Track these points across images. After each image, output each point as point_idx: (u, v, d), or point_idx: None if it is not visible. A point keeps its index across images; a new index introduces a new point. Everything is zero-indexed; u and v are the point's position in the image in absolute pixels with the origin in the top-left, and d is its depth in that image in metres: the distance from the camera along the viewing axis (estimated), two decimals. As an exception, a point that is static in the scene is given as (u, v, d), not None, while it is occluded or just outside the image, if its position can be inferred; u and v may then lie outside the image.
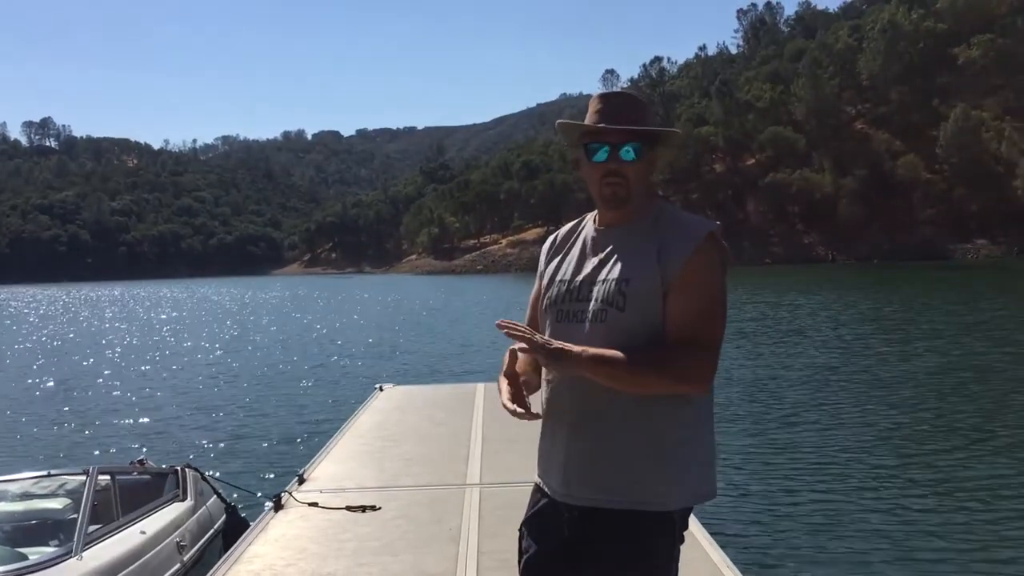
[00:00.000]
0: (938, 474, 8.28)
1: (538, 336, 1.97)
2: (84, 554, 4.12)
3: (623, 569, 1.97)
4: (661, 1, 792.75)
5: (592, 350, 1.96)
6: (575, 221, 2.28)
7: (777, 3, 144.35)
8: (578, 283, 2.10)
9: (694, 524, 4.09)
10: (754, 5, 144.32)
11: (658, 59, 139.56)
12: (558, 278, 2.16)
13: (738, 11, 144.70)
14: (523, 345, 1.95)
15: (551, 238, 2.31)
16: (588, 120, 2.09)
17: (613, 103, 2.10)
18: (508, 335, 1.95)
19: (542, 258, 2.28)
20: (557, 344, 1.95)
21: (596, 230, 2.16)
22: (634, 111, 2.08)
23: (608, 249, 2.09)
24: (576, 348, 1.95)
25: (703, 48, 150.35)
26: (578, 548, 2.03)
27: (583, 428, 2.03)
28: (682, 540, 2.07)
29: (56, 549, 4.20)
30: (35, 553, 4.20)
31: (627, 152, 2.04)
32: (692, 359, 1.94)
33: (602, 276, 2.06)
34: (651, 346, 1.96)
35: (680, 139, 2.19)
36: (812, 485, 8.09)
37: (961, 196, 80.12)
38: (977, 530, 6.62)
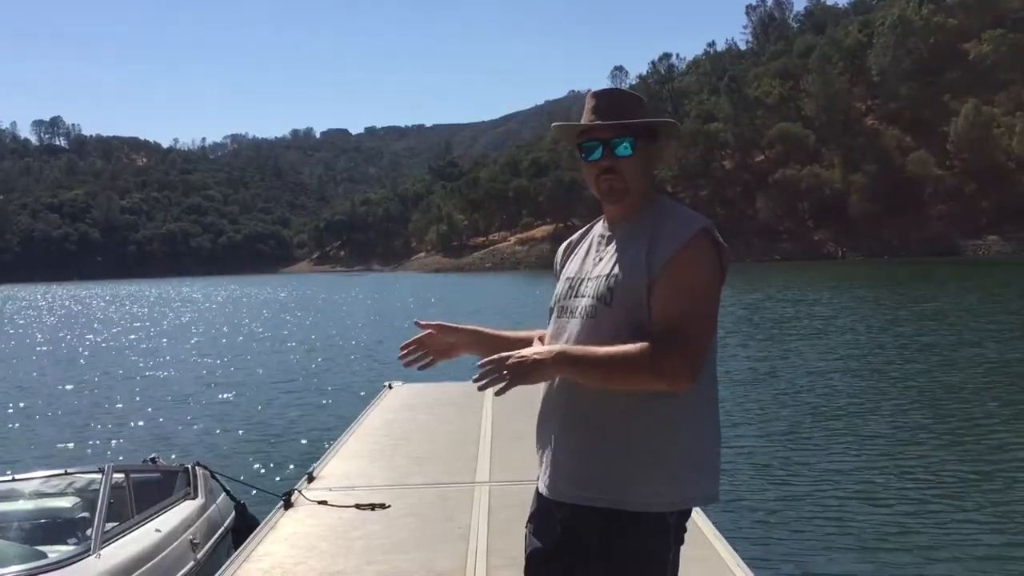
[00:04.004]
0: (951, 472, 8.27)
1: (492, 358, 1.96)
2: (102, 552, 4.16)
3: (612, 569, 1.97)
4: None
5: (558, 348, 1.99)
6: (588, 224, 2.31)
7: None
8: (578, 280, 2.15)
9: (702, 521, 4.11)
10: (763, 1, 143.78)
11: (667, 55, 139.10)
12: (565, 276, 2.22)
13: (747, 7, 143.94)
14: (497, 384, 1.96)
15: (564, 244, 2.36)
16: (583, 119, 2.12)
17: (605, 100, 2.12)
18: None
19: (557, 262, 2.33)
20: (515, 357, 1.95)
21: (603, 228, 2.19)
22: (626, 106, 2.10)
23: (609, 247, 2.12)
24: (539, 352, 1.97)
25: (712, 44, 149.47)
26: (570, 547, 2.03)
27: (573, 425, 2.04)
28: (680, 542, 2.03)
29: (74, 547, 4.25)
30: (53, 551, 4.25)
31: (624, 148, 2.06)
32: (670, 355, 1.90)
33: (597, 272, 2.10)
34: (627, 341, 1.93)
35: (677, 129, 2.19)
36: (824, 482, 8.10)
37: (972, 192, 79.73)
38: (990, 528, 6.62)
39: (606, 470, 1.99)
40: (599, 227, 2.22)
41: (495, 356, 1.96)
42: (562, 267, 2.29)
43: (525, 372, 1.94)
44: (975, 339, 17.86)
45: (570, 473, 2.03)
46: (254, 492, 6.64)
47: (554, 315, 2.17)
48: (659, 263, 1.97)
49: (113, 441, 11.65)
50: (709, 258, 2.01)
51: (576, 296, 2.12)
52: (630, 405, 1.97)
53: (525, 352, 1.98)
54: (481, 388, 1.96)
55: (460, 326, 2.32)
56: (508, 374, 1.93)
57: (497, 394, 1.98)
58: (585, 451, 2.01)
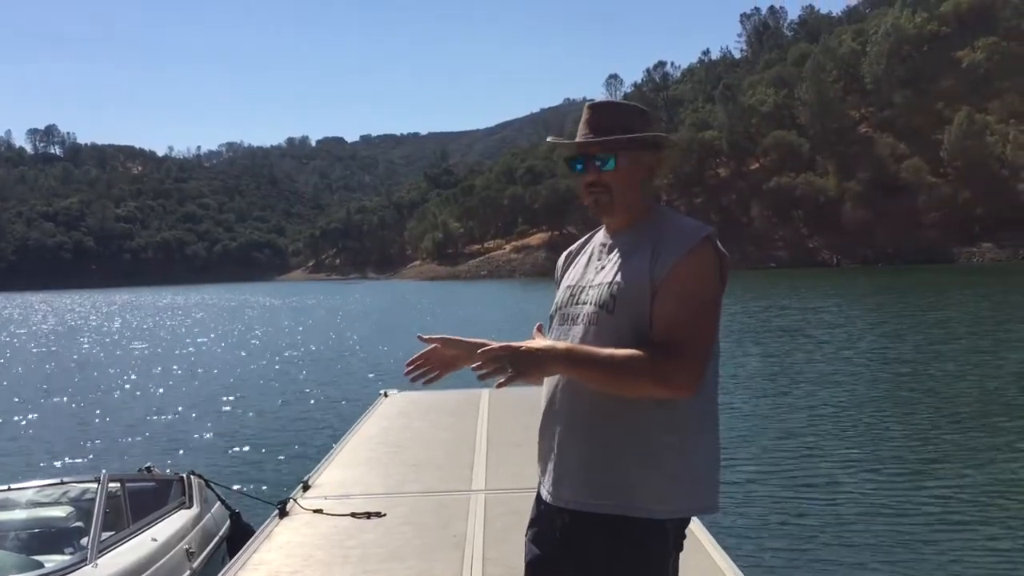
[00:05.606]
0: (947, 480, 8.27)
1: (496, 346, 1.94)
2: (98, 561, 4.14)
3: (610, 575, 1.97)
4: (665, 6, 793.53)
5: (565, 345, 1.98)
6: (589, 233, 2.33)
7: (780, 7, 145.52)
8: (580, 288, 2.15)
9: (698, 528, 4.11)
10: (757, 9, 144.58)
11: (662, 63, 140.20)
12: (566, 284, 2.23)
13: (741, 15, 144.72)
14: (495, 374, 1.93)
15: (565, 252, 2.37)
16: (579, 130, 2.14)
17: (596, 113, 2.14)
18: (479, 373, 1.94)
19: (558, 270, 2.35)
20: (524, 348, 1.93)
21: (604, 237, 2.21)
22: (617, 121, 2.10)
23: (610, 254, 2.13)
24: (544, 347, 1.95)
25: (707, 52, 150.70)
26: (570, 553, 2.02)
27: (575, 430, 2.04)
28: (680, 548, 2.05)
29: (71, 557, 4.23)
30: (50, 560, 4.24)
31: (605, 163, 2.08)
32: (673, 361, 1.90)
33: (598, 280, 2.10)
34: (630, 347, 1.93)
35: (665, 141, 2.19)
36: (820, 490, 8.10)
37: (965, 199, 79.92)
38: (984, 536, 6.61)
39: (608, 476, 1.99)
40: (600, 236, 2.24)
41: (500, 344, 1.94)
42: (562, 275, 2.30)
43: (531, 365, 1.92)
44: (985, 346, 17.79)
45: (573, 479, 2.03)
46: (250, 501, 6.62)
47: (555, 322, 2.18)
48: (663, 270, 1.98)
49: (108, 450, 11.63)
50: (712, 266, 2.02)
51: (578, 303, 2.12)
52: (634, 412, 1.97)
53: (533, 344, 1.97)
54: (482, 378, 1.94)
55: (463, 339, 2.31)
56: (512, 367, 1.91)
57: (499, 386, 1.94)
58: (588, 457, 2.01)
